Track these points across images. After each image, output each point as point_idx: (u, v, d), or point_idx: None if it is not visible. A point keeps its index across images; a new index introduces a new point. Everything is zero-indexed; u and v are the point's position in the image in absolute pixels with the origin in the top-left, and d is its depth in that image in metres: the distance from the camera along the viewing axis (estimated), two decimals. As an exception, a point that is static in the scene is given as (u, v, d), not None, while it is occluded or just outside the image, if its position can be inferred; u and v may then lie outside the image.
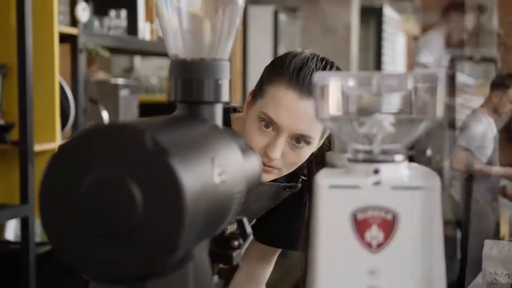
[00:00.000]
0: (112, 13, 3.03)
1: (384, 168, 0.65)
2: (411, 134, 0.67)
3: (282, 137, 1.22)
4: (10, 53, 2.39)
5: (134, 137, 0.58)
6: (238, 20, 0.78)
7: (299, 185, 1.38)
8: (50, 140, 2.46)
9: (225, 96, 0.76)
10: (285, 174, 1.29)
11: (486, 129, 4.22)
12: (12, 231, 2.54)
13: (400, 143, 0.68)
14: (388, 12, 7.10)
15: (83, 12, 2.61)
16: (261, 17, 4.98)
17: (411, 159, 0.70)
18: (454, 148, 4.30)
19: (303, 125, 1.21)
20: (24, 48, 2.29)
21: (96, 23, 2.92)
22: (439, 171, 4.31)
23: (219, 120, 0.76)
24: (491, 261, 1.86)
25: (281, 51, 5.97)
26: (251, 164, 0.80)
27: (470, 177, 4.29)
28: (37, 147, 2.36)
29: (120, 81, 3.14)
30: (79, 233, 0.59)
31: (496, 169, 4.47)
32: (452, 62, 4.34)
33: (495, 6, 9.39)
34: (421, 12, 10.10)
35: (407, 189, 0.64)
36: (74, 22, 2.62)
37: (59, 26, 2.51)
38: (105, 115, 2.92)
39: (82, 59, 2.65)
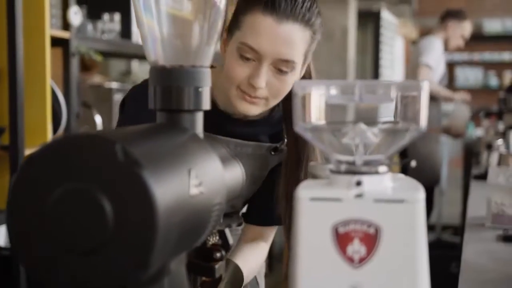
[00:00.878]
0: (106, 16, 3.01)
1: (367, 180, 0.63)
2: (395, 144, 0.65)
3: (264, 65, 1.20)
4: (1, 56, 2.36)
5: (105, 148, 0.56)
6: (220, 25, 0.76)
7: (284, 148, 1.36)
8: (41, 144, 2.43)
9: (206, 104, 0.74)
10: (272, 105, 1.27)
11: (440, 54, 4.35)
12: (2, 236, 2.52)
13: (383, 154, 0.65)
14: (386, 16, 7.08)
15: (75, 15, 2.59)
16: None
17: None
18: (415, 67, 4.34)
19: (284, 49, 1.19)
20: (15, 52, 2.27)
21: (90, 26, 2.90)
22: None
23: (199, 128, 0.74)
24: (497, 190, 1.76)
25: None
26: (232, 174, 0.78)
27: None
28: (28, 152, 2.33)
29: (115, 85, 3.11)
30: (48, 247, 0.57)
31: (455, 94, 4.60)
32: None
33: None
34: (419, 16, 10.11)
35: (390, 202, 0.62)
36: (66, 25, 2.60)
37: (51, 29, 2.49)
38: (98, 120, 2.89)
39: (75, 63, 2.63)
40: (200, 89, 0.73)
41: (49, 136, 2.46)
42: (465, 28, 4.43)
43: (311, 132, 0.66)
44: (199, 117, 0.74)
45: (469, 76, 10.22)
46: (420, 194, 0.62)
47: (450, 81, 10.25)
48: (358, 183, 0.63)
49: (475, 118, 6.28)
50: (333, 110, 0.66)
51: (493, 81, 10.13)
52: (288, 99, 1.25)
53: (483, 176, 2.64)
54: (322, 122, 0.66)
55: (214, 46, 0.76)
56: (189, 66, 0.73)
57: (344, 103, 0.65)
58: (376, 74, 6.93)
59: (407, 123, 0.64)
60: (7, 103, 2.28)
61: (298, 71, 1.25)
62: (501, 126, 3.92)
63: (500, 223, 1.75)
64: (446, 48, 4.46)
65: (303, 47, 1.22)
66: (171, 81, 0.72)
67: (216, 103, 1.34)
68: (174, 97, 0.72)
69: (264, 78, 1.21)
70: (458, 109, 4.72)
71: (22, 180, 0.57)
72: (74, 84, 2.65)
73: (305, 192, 0.63)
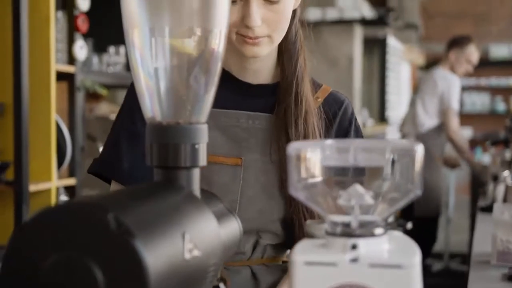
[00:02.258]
0: (111, 49, 3.03)
1: (363, 243, 0.63)
2: (391, 207, 0.64)
3: (253, 2, 1.12)
4: (6, 91, 2.38)
5: (97, 217, 0.56)
6: (215, 81, 0.76)
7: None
8: (46, 179, 2.44)
9: (202, 161, 0.74)
10: (278, 41, 1.19)
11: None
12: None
13: (379, 215, 0.65)
14: (392, 42, 7.10)
15: (81, 50, 2.61)
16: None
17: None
18: (444, 112, 4.30)
19: None
20: (20, 86, 2.28)
21: (95, 59, 2.92)
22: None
23: (196, 185, 0.74)
24: (503, 226, 1.72)
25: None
26: (228, 230, 0.77)
27: (427, 134, 4.33)
28: (33, 187, 2.34)
29: (120, 117, 3.12)
30: (40, 317, 0.56)
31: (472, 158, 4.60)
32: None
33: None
34: (425, 41, 10.14)
35: (386, 267, 0.61)
36: (72, 60, 2.62)
37: (57, 64, 2.50)
38: (103, 152, 2.89)
39: (80, 97, 2.64)
40: (196, 146, 0.73)
41: (54, 171, 2.46)
42: (469, 53, 4.42)
43: (305, 193, 0.65)
44: (196, 174, 0.74)
45: (476, 101, 10.21)
46: (416, 258, 0.61)
47: (457, 106, 10.25)
48: (354, 247, 0.62)
49: (482, 144, 6.26)
50: (328, 169, 0.66)
51: (500, 106, 10.12)
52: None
53: (489, 209, 2.63)
54: (317, 182, 0.65)
55: (211, 101, 0.76)
56: (186, 123, 0.73)
57: (339, 165, 0.64)
58: (382, 101, 6.93)
59: (403, 185, 0.63)
60: (12, 138, 2.29)
61: None
62: (508, 154, 3.90)
63: (505, 261, 1.73)
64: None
65: None
66: (168, 139, 0.72)
67: (228, 68, 1.26)
68: (170, 154, 0.72)
69: (257, 15, 1.13)
70: None
71: (14, 249, 0.57)
72: (79, 118, 2.66)
73: (300, 256, 0.63)
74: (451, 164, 4.78)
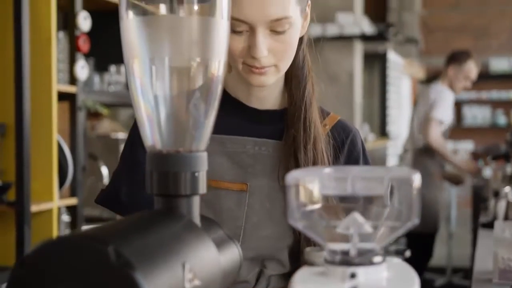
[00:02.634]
0: (112, 68, 3.05)
1: (362, 271, 0.63)
2: (389, 235, 0.65)
3: (259, 33, 1.11)
4: (8, 112, 2.39)
5: (97, 250, 0.56)
6: (215, 109, 0.76)
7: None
8: (47, 200, 2.44)
9: (202, 188, 0.74)
10: (284, 69, 1.18)
11: (452, 103, 4.36)
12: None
13: (378, 243, 0.65)
14: (392, 57, 7.13)
15: (82, 70, 2.62)
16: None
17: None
18: (426, 121, 4.31)
19: (272, 9, 1.10)
20: (22, 107, 2.30)
21: (96, 78, 2.93)
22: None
23: (196, 212, 0.74)
24: (504, 244, 1.72)
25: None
26: (228, 257, 0.78)
27: (424, 149, 4.32)
28: (34, 208, 2.34)
29: (121, 135, 3.14)
30: None
31: (459, 161, 4.57)
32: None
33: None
34: (426, 55, 10.17)
35: (384, 296, 0.61)
36: (73, 80, 2.63)
37: (58, 84, 2.52)
38: (104, 171, 2.91)
39: (81, 116, 2.65)
40: (196, 174, 0.73)
41: (55, 191, 2.47)
42: (468, 69, 4.42)
43: (304, 221, 0.66)
44: (196, 201, 0.74)
45: (477, 114, 10.23)
46: (415, 287, 0.62)
47: (458, 120, 10.29)
48: (353, 275, 0.63)
49: (483, 158, 6.26)
50: (327, 197, 0.67)
51: (501, 120, 10.13)
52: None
53: (491, 225, 2.62)
54: (315, 211, 0.66)
55: (211, 129, 0.76)
56: (186, 151, 0.73)
57: (337, 194, 0.65)
58: (383, 116, 6.95)
59: (401, 213, 0.64)
60: (14, 158, 2.30)
61: (298, 22, 1.16)
62: (509, 169, 3.90)
63: (507, 279, 1.73)
64: (453, 91, 4.48)
65: None
66: (168, 167, 0.72)
67: (235, 95, 1.26)
68: (171, 183, 0.72)
69: (264, 46, 1.11)
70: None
71: (15, 282, 0.58)
72: (80, 138, 2.67)
73: (299, 285, 0.63)
74: (455, 181, 4.77)
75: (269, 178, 1.20)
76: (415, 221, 0.63)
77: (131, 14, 0.73)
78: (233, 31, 1.12)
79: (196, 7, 0.76)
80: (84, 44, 2.61)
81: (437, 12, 10.31)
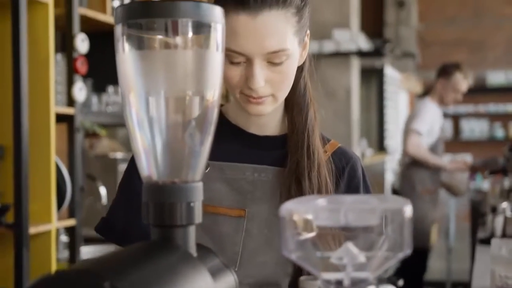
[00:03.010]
0: (110, 89, 3.06)
1: (355, 301, 0.64)
2: (382, 265, 0.66)
3: (256, 64, 1.12)
4: (6, 134, 2.40)
5: (94, 285, 0.57)
6: (210, 139, 0.77)
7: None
8: (46, 221, 2.45)
9: (198, 218, 0.75)
10: (282, 98, 1.18)
11: (434, 117, 4.34)
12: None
13: (371, 273, 0.66)
14: (389, 72, 7.16)
15: (80, 92, 2.64)
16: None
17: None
18: (406, 132, 4.33)
19: (269, 41, 1.11)
20: (20, 129, 2.31)
21: (95, 99, 2.95)
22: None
23: (192, 242, 0.75)
24: (501, 261, 1.71)
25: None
26: (224, 286, 0.78)
27: (411, 164, 4.32)
28: (33, 229, 2.35)
29: (120, 155, 3.15)
30: None
31: (447, 163, 4.54)
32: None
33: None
34: (423, 69, 10.21)
35: (377, 327, 0.62)
36: (71, 101, 2.64)
37: (56, 106, 2.53)
38: (103, 191, 2.91)
39: (79, 138, 2.66)
40: (192, 204, 0.74)
41: (54, 213, 2.47)
42: (456, 82, 4.40)
43: (298, 252, 0.67)
44: (192, 231, 0.75)
45: (474, 128, 10.25)
46: (408, 316, 0.63)
47: (456, 134, 10.31)
48: (347, 305, 0.64)
49: (482, 171, 6.26)
50: (321, 228, 0.68)
51: (499, 133, 10.15)
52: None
53: (488, 241, 2.63)
54: (309, 241, 0.67)
55: (206, 160, 0.77)
56: (182, 182, 0.74)
57: (331, 225, 0.66)
58: (380, 130, 6.96)
59: (393, 244, 0.65)
60: (12, 180, 2.31)
61: (296, 53, 1.17)
62: (507, 183, 3.90)
63: (505, 297, 1.73)
64: (444, 104, 4.48)
65: (290, 29, 1.13)
66: (164, 198, 0.73)
67: (235, 122, 1.27)
68: (166, 213, 0.73)
69: (261, 77, 1.12)
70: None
71: (14, 317, 0.58)
72: (78, 159, 2.68)
73: (294, 316, 0.64)
74: (453, 192, 4.77)
75: (269, 205, 1.21)
76: (407, 251, 0.64)
77: (127, 48, 0.74)
78: (231, 62, 1.13)
79: (191, 39, 0.78)
80: (82, 66, 2.63)
81: (434, 26, 10.36)
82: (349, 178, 1.28)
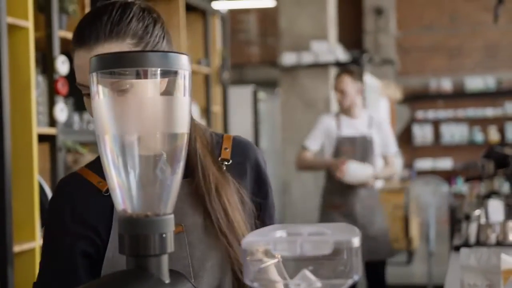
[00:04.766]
0: (91, 107, 3.11)
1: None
2: (335, 289, 0.73)
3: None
4: (-11, 155, 2.45)
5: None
6: (180, 176, 0.84)
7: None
8: (29, 240, 2.50)
9: (170, 247, 0.82)
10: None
11: (325, 129, 4.12)
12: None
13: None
14: (369, 80, 7.25)
15: (61, 112, 2.69)
16: (241, 96, 5.10)
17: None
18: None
19: None
20: (3, 150, 2.36)
21: (76, 118, 3.00)
22: None
23: (165, 270, 0.82)
24: (469, 271, 1.76)
25: (262, 127, 6.08)
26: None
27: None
28: (17, 248, 2.40)
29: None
30: None
31: (323, 159, 4.29)
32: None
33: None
34: (402, 76, 10.35)
35: None
36: (53, 121, 2.70)
37: (38, 127, 2.58)
38: (86, 208, 2.96)
39: (61, 157, 2.72)
40: (164, 235, 0.81)
41: (38, 230, 2.52)
42: (336, 82, 4.15)
43: (259, 281, 0.74)
44: (164, 260, 0.82)
45: (454, 132, 10.40)
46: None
47: (436, 138, 10.45)
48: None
49: (463, 175, 6.36)
50: (279, 258, 0.75)
51: (478, 137, 10.31)
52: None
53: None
54: (268, 271, 0.74)
55: (176, 192, 0.85)
56: (154, 215, 0.82)
57: (288, 255, 0.73)
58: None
59: (344, 270, 0.72)
60: (-4, 200, 2.36)
61: (149, 83, 1.14)
62: (482, 189, 3.97)
63: (473, 306, 1.80)
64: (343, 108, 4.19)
65: None
66: (138, 230, 0.81)
67: None
68: (141, 244, 0.80)
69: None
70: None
71: None
72: (60, 177, 2.72)
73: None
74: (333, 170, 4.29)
75: (199, 213, 1.27)
76: (355, 277, 0.71)
77: (101, 94, 0.82)
78: (84, 94, 1.19)
79: (160, 86, 0.86)
80: (63, 87, 2.69)
81: (412, 33, 10.50)
82: (250, 165, 1.34)
